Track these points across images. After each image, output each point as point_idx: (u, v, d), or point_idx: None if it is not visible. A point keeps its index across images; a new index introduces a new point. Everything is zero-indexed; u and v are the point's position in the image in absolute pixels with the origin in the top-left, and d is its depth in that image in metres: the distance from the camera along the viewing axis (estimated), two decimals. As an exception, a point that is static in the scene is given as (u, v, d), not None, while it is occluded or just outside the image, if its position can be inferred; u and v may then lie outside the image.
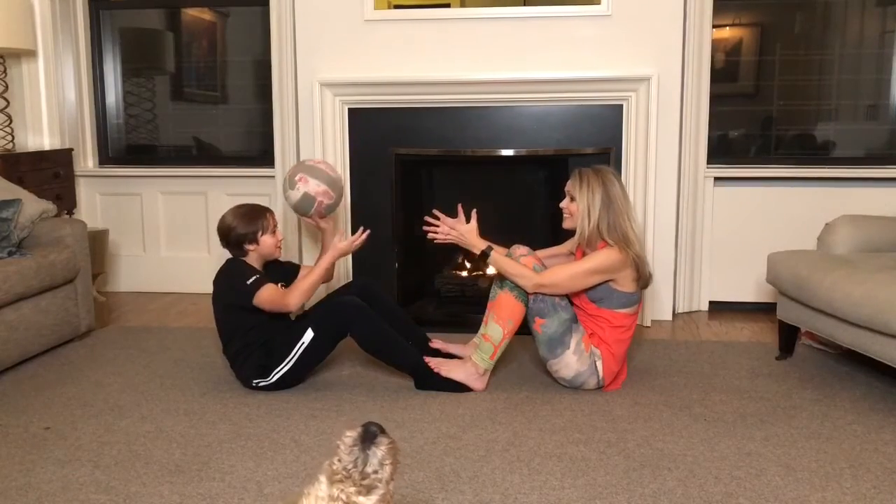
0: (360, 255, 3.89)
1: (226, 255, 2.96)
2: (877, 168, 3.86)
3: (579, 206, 2.76)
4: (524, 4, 3.78)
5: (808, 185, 3.87)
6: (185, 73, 4.53)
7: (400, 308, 3.17)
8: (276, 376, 2.79)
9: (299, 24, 3.83)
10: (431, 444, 2.37)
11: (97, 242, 3.93)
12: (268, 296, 2.76)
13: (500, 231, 4.02)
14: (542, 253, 3.05)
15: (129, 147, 4.62)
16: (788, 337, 3.23)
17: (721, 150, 4.03)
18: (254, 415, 2.62)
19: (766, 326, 3.70)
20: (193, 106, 4.58)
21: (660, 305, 3.84)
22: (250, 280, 2.77)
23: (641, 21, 3.61)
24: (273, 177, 4.15)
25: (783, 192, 3.90)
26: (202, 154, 4.55)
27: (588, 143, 3.68)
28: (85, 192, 4.46)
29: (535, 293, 2.73)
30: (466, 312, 3.63)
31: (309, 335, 2.74)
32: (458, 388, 2.81)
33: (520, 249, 2.86)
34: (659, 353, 3.28)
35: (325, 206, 3.08)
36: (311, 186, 3.04)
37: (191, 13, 4.45)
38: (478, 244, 2.81)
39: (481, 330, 2.86)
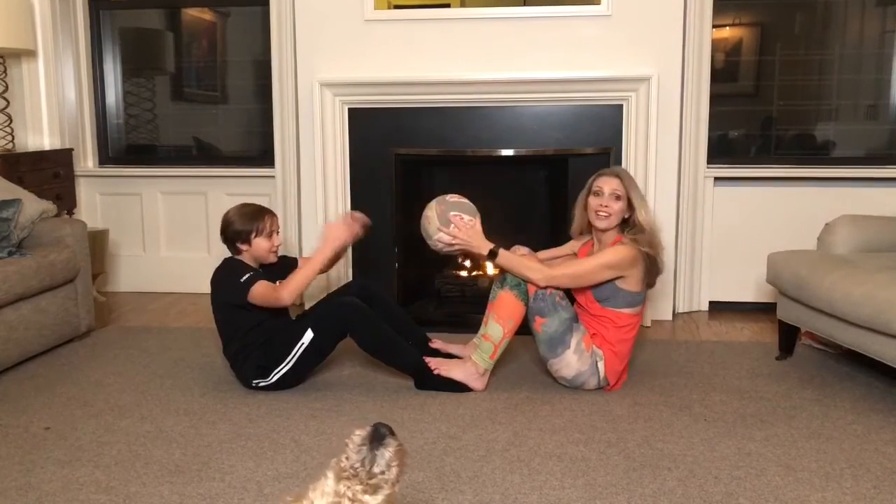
0: (360, 256, 3.90)
1: (226, 253, 2.96)
2: (877, 168, 3.86)
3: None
4: (524, 4, 3.78)
5: (808, 185, 3.87)
6: (185, 73, 4.53)
7: (400, 308, 3.16)
8: (275, 377, 2.79)
9: (299, 24, 3.83)
10: (431, 444, 2.37)
11: (97, 242, 3.92)
12: (260, 291, 2.74)
13: (500, 231, 4.03)
14: (543, 254, 3.05)
15: (129, 147, 4.62)
16: (788, 337, 3.23)
17: (721, 150, 4.03)
18: (254, 415, 2.62)
19: (766, 326, 3.70)
20: (193, 106, 4.58)
21: (660, 305, 3.84)
22: (243, 277, 2.76)
23: (641, 21, 3.61)
24: (273, 177, 4.15)
25: (783, 192, 3.90)
26: (202, 154, 4.55)
27: (588, 143, 3.68)
28: (85, 192, 4.46)
29: (546, 287, 2.73)
30: (466, 312, 3.63)
31: (308, 335, 2.74)
32: (458, 387, 2.81)
33: (521, 250, 2.86)
34: (659, 353, 3.28)
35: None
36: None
37: (191, 13, 4.45)
38: (484, 245, 2.80)
39: (481, 330, 2.86)
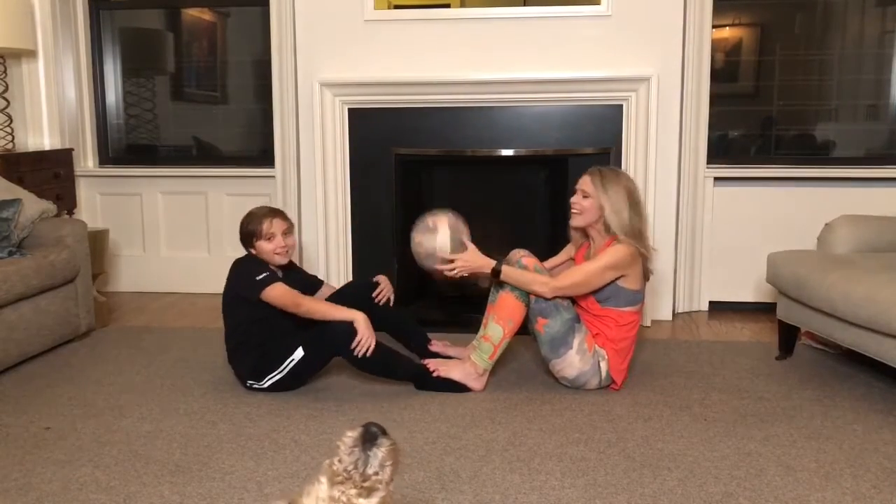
0: (360, 256, 3.90)
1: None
2: (877, 168, 3.86)
3: (603, 204, 2.76)
4: (524, 4, 3.78)
5: (808, 185, 3.87)
6: (185, 73, 4.53)
7: (399, 308, 3.16)
8: (267, 383, 2.79)
9: (299, 24, 3.83)
10: (431, 444, 2.37)
11: (97, 242, 3.92)
12: (279, 293, 2.75)
13: (500, 231, 4.04)
14: (551, 262, 3.06)
15: (129, 147, 4.62)
16: (788, 337, 3.23)
17: (721, 150, 4.03)
18: (254, 415, 2.62)
19: (766, 326, 3.70)
20: (193, 106, 4.58)
21: (660, 305, 3.84)
22: (260, 276, 2.77)
23: (641, 21, 3.61)
24: (273, 177, 4.15)
25: (783, 192, 3.90)
26: (202, 154, 4.55)
27: (588, 143, 3.68)
28: (85, 192, 4.46)
29: (553, 298, 2.73)
30: (466, 312, 3.63)
31: (299, 353, 2.73)
32: (457, 388, 2.81)
33: (519, 252, 2.86)
34: (659, 353, 3.28)
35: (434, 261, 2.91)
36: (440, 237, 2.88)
37: (191, 13, 4.45)
38: (486, 264, 2.80)
39: (480, 331, 2.86)
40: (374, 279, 3.10)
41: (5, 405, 2.72)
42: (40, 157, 3.94)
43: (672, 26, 3.63)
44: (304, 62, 3.84)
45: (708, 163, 3.88)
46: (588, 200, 2.79)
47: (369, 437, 1.29)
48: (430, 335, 3.13)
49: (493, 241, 4.02)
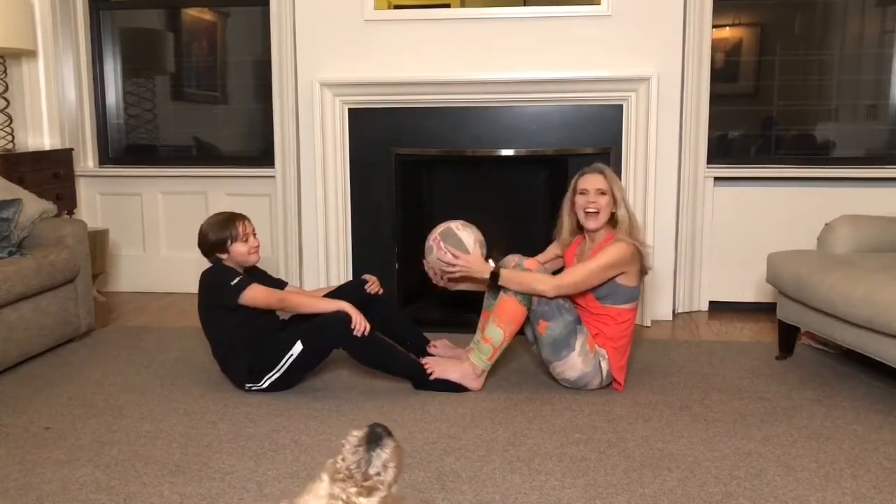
0: (360, 256, 3.90)
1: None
2: (877, 168, 3.86)
3: (617, 200, 2.79)
4: (524, 4, 3.78)
5: (808, 185, 3.87)
6: (185, 73, 4.53)
7: (398, 308, 3.16)
8: (266, 382, 2.79)
9: (299, 24, 3.83)
10: (431, 444, 2.37)
11: (97, 242, 3.93)
12: (260, 294, 2.76)
13: (500, 231, 4.03)
14: (531, 263, 3.05)
15: (129, 147, 4.62)
16: (788, 337, 3.23)
17: (721, 150, 4.03)
18: (254, 415, 2.62)
19: (766, 326, 3.70)
20: (193, 106, 4.58)
21: (660, 305, 3.84)
22: (234, 281, 2.76)
23: (641, 21, 3.61)
24: (273, 177, 4.15)
25: (783, 192, 3.90)
26: (202, 154, 4.55)
27: (588, 143, 3.68)
28: (85, 192, 4.46)
29: (555, 297, 2.73)
30: (466, 313, 3.63)
31: (298, 347, 2.73)
32: (456, 387, 2.81)
33: (514, 258, 2.86)
34: (659, 353, 3.28)
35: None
36: (440, 252, 2.98)
37: (191, 13, 4.45)
38: (485, 269, 2.82)
39: (477, 335, 2.86)
40: (362, 277, 3.11)
41: (5, 405, 2.72)
42: (40, 157, 3.94)
43: (672, 26, 3.63)
44: (304, 62, 3.84)
45: (708, 163, 3.88)
46: (605, 198, 2.79)
47: (374, 438, 1.30)
48: (429, 335, 3.13)
49: (494, 242, 4.02)
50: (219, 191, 4.37)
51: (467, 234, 3.01)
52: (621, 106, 3.65)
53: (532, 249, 3.08)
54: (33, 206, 3.39)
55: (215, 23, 4.49)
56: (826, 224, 3.28)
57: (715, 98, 3.85)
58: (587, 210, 2.81)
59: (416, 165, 3.96)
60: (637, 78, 3.58)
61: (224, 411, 2.66)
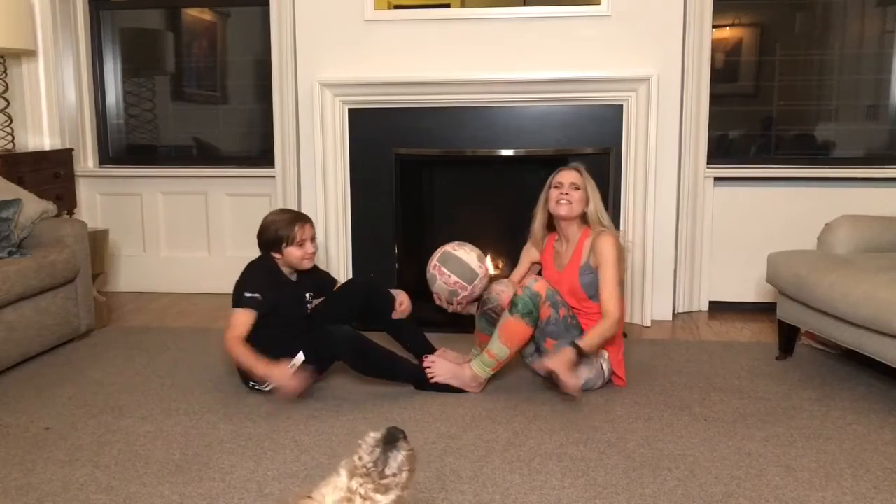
0: (360, 255, 3.90)
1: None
2: (877, 168, 3.86)
3: (590, 196, 2.85)
4: (524, 4, 3.78)
5: (808, 185, 3.87)
6: (185, 73, 4.53)
7: (413, 325, 3.11)
8: (270, 386, 2.79)
9: (299, 24, 3.83)
10: (431, 444, 2.37)
11: (97, 242, 3.92)
12: (238, 320, 2.73)
13: (500, 231, 4.04)
14: (517, 275, 3.09)
15: (129, 147, 4.62)
16: (788, 337, 3.23)
17: (721, 150, 4.03)
18: (254, 415, 2.62)
19: (766, 326, 3.70)
20: (193, 106, 4.58)
21: (660, 305, 3.84)
22: (248, 294, 2.76)
23: (641, 21, 3.61)
24: (273, 177, 4.15)
25: (783, 192, 3.90)
26: (202, 154, 4.55)
27: (588, 143, 3.68)
28: (85, 192, 4.46)
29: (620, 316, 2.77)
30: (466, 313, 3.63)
31: (300, 357, 2.73)
32: (457, 389, 2.81)
33: (498, 286, 2.89)
34: (659, 353, 3.28)
35: (462, 297, 2.95)
36: (444, 278, 2.95)
37: (191, 13, 4.45)
38: (569, 350, 2.65)
39: (475, 350, 2.90)
40: (395, 295, 3.04)
41: (5, 405, 2.72)
42: (40, 157, 3.95)
43: (672, 26, 3.63)
44: (304, 62, 3.84)
45: (708, 163, 3.87)
46: (578, 192, 2.84)
47: (391, 440, 1.33)
48: (429, 336, 3.12)
49: (494, 242, 4.04)
50: (219, 191, 4.37)
51: (466, 252, 2.97)
52: (621, 106, 3.65)
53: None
54: (33, 206, 3.39)
55: (215, 23, 4.49)
56: (826, 224, 3.28)
57: (715, 98, 3.84)
58: (559, 201, 2.85)
59: (416, 165, 3.96)
60: (637, 78, 3.58)
61: (224, 411, 2.66)
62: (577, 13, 3.65)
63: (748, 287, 3.97)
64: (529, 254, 3.10)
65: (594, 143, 3.68)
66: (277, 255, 2.87)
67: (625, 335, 3.13)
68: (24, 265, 3.07)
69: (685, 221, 3.88)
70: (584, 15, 3.65)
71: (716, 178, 3.90)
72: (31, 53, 4.05)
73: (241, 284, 2.81)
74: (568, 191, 2.84)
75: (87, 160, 4.47)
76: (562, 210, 2.84)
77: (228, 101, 4.51)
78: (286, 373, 2.63)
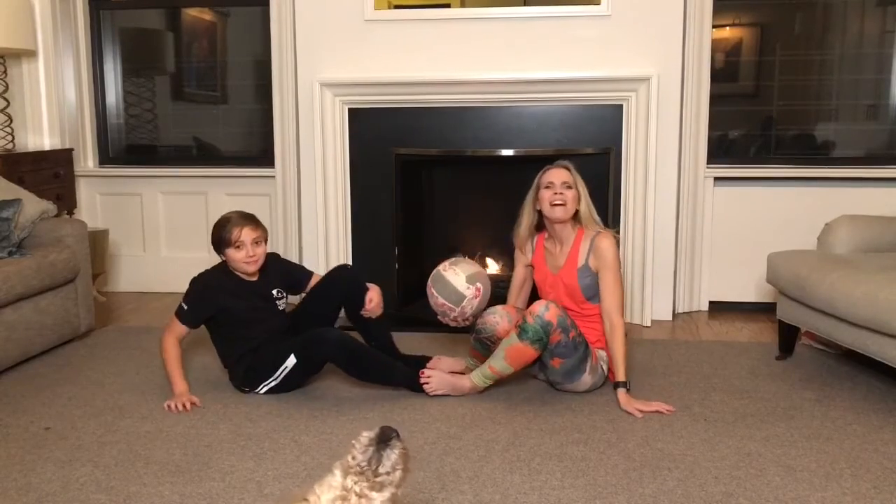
0: (360, 255, 3.90)
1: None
2: (877, 168, 3.86)
3: (581, 195, 2.82)
4: (524, 4, 3.78)
5: (808, 185, 3.86)
6: (185, 73, 4.53)
7: (389, 337, 3.06)
8: (263, 389, 2.79)
9: (299, 24, 3.83)
10: (431, 444, 2.37)
11: (97, 242, 3.93)
12: (169, 333, 2.81)
13: (500, 231, 4.03)
14: (514, 284, 3.06)
15: (129, 147, 4.62)
16: (788, 337, 3.23)
17: (721, 150, 4.03)
18: (254, 415, 2.62)
19: (766, 326, 3.70)
20: (193, 106, 4.58)
21: (660, 305, 3.84)
22: (187, 302, 2.78)
23: (641, 21, 3.61)
24: (273, 177, 4.15)
25: (783, 192, 3.89)
26: (202, 154, 4.55)
27: (588, 143, 3.68)
28: (85, 192, 4.46)
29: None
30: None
31: (292, 360, 2.72)
32: None
33: (495, 319, 2.82)
34: (659, 353, 3.28)
35: (454, 316, 2.88)
36: (433, 298, 2.90)
37: (191, 13, 4.45)
38: (622, 393, 2.66)
39: (471, 362, 2.90)
40: (367, 289, 2.96)
41: (5, 405, 2.72)
42: (40, 157, 3.95)
43: (672, 26, 3.63)
44: (304, 62, 3.84)
45: (708, 163, 3.87)
46: (571, 192, 2.80)
47: (384, 438, 1.34)
48: (429, 335, 3.12)
49: (494, 242, 4.03)
50: (219, 191, 4.37)
51: (454, 274, 2.86)
52: (621, 106, 3.65)
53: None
54: (33, 206, 3.39)
55: (215, 23, 4.49)
56: (826, 224, 3.28)
57: (715, 98, 3.84)
58: (554, 203, 2.79)
59: (416, 165, 3.96)
60: (637, 78, 3.58)
61: (224, 411, 2.66)
62: (577, 13, 3.65)
63: (748, 287, 3.97)
64: (521, 260, 3.04)
65: (594, 143, 3.68)
66: (223, 257, 2.83)
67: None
68: (23, 265, 3.07)
69: (685, 221, 3.88)
70: (584, 15, 3.65)
71: (716, 178, 3.90)
72: (31, 53, 4.05)
73: (186, 293, 2.82)
74: (561, 190, 2.79)
75: (86, 160, 4.47)
76: (558, 213, 2.79)
77: (228, 101, 4.51)
78: (184, 392, 2.72)
